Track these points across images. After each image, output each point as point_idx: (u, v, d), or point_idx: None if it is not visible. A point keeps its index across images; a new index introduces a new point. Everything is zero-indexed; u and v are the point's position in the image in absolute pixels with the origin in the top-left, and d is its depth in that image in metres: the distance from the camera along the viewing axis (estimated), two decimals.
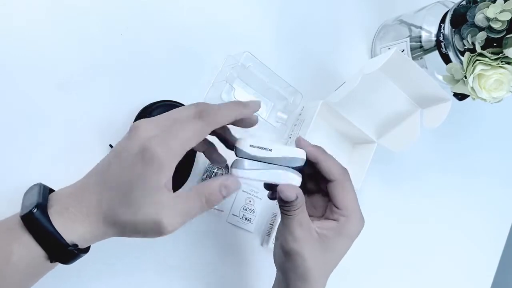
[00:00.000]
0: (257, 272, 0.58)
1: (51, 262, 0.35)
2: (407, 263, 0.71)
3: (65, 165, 0.48)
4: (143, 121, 0.37)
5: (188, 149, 0.36)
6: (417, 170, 0.73)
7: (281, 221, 0.43)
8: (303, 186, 0.43)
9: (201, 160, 0.55)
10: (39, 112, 0.48)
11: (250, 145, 0.41)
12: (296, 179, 0.41)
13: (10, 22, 0.47)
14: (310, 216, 0.44)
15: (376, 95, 0.59)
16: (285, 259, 0.43)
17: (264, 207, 0.59)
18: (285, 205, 0.42)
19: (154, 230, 0.36)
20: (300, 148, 0.43)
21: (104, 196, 0.36)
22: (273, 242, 0.57)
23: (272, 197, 0.47)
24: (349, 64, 0.66)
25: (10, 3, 0.47)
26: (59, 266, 0.36)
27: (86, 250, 0.37)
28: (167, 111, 0.50)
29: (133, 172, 0.35)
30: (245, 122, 0.41)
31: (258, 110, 0.41)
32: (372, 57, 0.69)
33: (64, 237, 0.34)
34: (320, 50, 0.65)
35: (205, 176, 0.55)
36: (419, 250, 0.72)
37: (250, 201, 0.58)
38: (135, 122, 0.38)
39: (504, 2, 0.49)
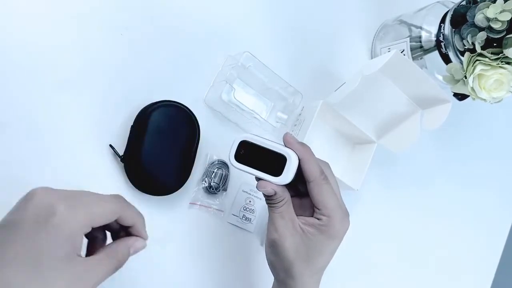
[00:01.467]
0: (257, 272, 0.58)
1: None
2: (407, 263, 0.71)
3: (65, 165, 0.48)
4: (40, 188, 0.33)
5: (98, 224, 0.34)
6: (417, 170, 0.73)
7: (268, 215, 0.45)
8: (294, 188, 0.44)
9: (201, 160, 0.55)
10: (39, 112, 0.48)
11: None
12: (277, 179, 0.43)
13: (11, 22, 0.47)
14: (300, 216, 0.45)
15: (376, 96, 0.59)
16: (271, 252, 0.45)
17: (264, 207, 0.59)
18: (268, 199, 0.44)
19: None
20: (288, 144, 0.44)
21: (3, 276, 0.30)
22: None
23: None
24: (349, 64, 0.66)
25: (10, 3, 0.47)
26: None
27: None
28: (167, 111, 0.51)
29: (37, 243, 0.30)
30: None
31: (145, 238, 0.40)
32: (372, 57, 0.69)
33: None
34: (320, 50, 0.65)
35: (205, 176, 0.55)
36: (419, 250, 0.72)
37: (250, 201, 0.58)
38: (34, 189, 0.33)
39: (504, 2, 0.49)
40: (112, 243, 0.38)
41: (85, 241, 0.37)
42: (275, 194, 0.43)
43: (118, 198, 0.36)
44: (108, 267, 0.35)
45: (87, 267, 0.33)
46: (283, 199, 0.44)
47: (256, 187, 0.44)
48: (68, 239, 0.32)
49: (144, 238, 0.39)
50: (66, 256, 0.32)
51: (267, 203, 0.45)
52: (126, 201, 0.37)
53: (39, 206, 0.32)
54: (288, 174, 0.42)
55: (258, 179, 0.45)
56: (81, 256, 0.33)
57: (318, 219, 0.44)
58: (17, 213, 0.32)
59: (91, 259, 0.34)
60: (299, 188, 0.47)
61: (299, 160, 0.43)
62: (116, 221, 0.36)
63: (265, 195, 0.44)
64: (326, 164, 0.47)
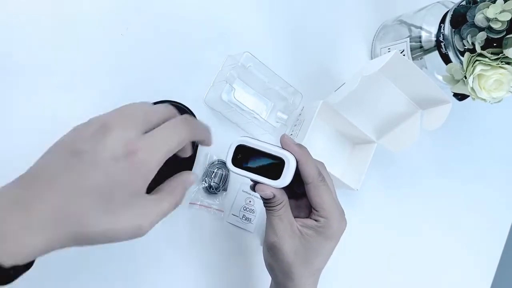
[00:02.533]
0: (257, 272, 0.58)
1: None
2: (406, 264, 0.71)
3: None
4: (115, 118, 0.34)
5: (170, 156, 0.35)
6: (417, 170, 0.73)
7: (266, 218, 0.45)
8: (290, 189, 0.44)
9: (201, 160, 0.55)
10: (39, 111, 0.48)
11: None
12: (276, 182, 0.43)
13: (11, 22, 0.47)
14: (296, 217, 0.45)
15: (376, 96, 0.59)
16: (269, 255, 0.45)
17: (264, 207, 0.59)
18: (266, 202, 0.44)
19: (132, 235, 0.34)
20: (285, 146, 0.43)
21: (69, 206, 0.31)
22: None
23: (253, 188, 0.48)
24: (349, 64, 0.66)
25: (10, 3, 0.47)
26: None
27: (30, 264, 0.32)
28: None
29: (116, 178, 0.32)
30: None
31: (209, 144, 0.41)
32: (372, 57, 0.69)
33: (0, 261, 0.28)
34: (320, 50, 0.65)
35: (205, 176, 0.55)
36: (419, 250, 0.72)
37: (250, 201, 0.58)
38: (101, 117, 0.34)
39: (504, 2, 0.49)
40: (168, 180, 0.39)
41: None
42: (274, 197, 0.43)
43: (189, 123, 0.37)
44: (170, 204, 0.37)
45: (152, 203, 0.35)
46: (281, 202, 0.44)
47: (254, 190, 0.44)
48: (143, 177, 0.33)
49: (211, 144, 0.41)
50: (137, 192, 0.33)
51: (265, 206, 0.45)
52: (194, 121, 0.38)
53: (118, 140, 0.32)
54: (286, 177, 0.42)
55: (255, 182, 0.45)
56: (145, 193, 0.34)
57: (315, 220, 0.44)
58: (92, 144, 0.32)
59: (155, 197, 0.36)
60: (295, 189, 0.47)
61: (296, 162, 0.43)
62: None
63: (263, 198, 0.44)
64: (322, 164, 0.47)
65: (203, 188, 0.55)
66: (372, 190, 0.67)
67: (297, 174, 0.44)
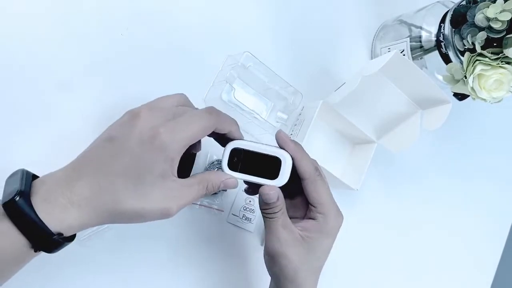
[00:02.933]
0: (257, 272, 0.58)
1: (35, 251, 0.35)
2: (406, 263, 0.71)
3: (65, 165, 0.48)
4: (144, 108, 0.37)
5: (193, 142, 0.38)
6: (417, 170, 0.73)
7: (265, 225, 0.44)
8: (285, 189, 0.44)
9: (201, 160, 0.55)
10: (39, 111, 0.48)
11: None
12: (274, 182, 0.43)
13: (10, 22, 0.47)
14: (292, 217, 0.46)
15: (376, 96, 0.59)
16: (273, 262, 0.44)
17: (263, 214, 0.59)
18: (267, 208, 0.43)
19: (160, 215, 0.37)
20: (280, 141, 0.44)
21: (103, 185, 0.35)
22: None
23: (248, 191, 0.48)
24: (349, 64, 0.66)
25: (10, 3, 0.47)
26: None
27: (72, 238, 0.37)
28: None
29: (142, 160, 0.35)
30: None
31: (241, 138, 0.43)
32: (372, 57, 0.69)
33: (49, 226, 0.34)
34: (320, 50, 0.65)
35: None
36: (419, 250, 0.72)
37: (250, 201, 0.58)
38: (133, 109, 0.38)
39: (504, 2, 0.49)
40: (206, 172, 0.41)
41: None
42: (278, 200, 0.43)
43: (212, 112, 0.39)
44: (198, 193, 0.39)
45: (180, 187, 0.37)
46: (282, 208, 0.43)
47: (248, 193, 0.45)
48: (167, 159, 0.36)
49: (240, 137, 0.43)
50: (164, 173, 0.36)
51: (265, 212, 0.44)
52: (219, 112, 0.40)
53: (144, 126, 0.36)
54: (284, 175, 0.42)
55: (250, 185, 0.44)
56: (176, 177, 0.37)
57: (313, 218, 0.44)
58: (123, 131, 0.37)
59: (185, 181, 0.38)
60: (290, 188, 0.46)
61: (292, 159, 0.43)
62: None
63: (263, 205, 0.44)
64: (315, 161, 0.47)
65: None
66: (372, 190, 0.67)
67: (292, 172, 0.43)
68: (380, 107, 0.60)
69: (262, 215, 0.44)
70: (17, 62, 0.47)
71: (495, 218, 0.81)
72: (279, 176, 0.42)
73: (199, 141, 0.43)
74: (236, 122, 0.43)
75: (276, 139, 0.44)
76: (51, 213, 0.34)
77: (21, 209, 0.33)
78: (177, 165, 0.37)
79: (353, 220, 0.66)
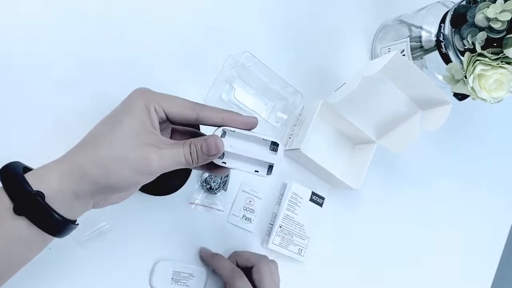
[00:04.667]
0: None
1: (16, 213, 0.33)
2: (406, 263, 0.71)
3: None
4: (136, 89, 0.40)
5: (176, 117, 0.38)
6: (417, 170, 0.73)
7: None
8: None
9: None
10: (39, 111, 0.48)
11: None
12: (261, 170, 0.42)
13: (10, 22, 0.47)
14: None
15: (377, 96, 0.59)
16: None
17: (264, 207, 0.59)
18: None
19: (140, 166, 0.35)
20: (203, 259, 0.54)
21: (84, 140, 0.37)
22: (274, 242, 0.57)
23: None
24: (349, 64, 0.66)
25: (10, 3, 0.47)
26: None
27: (73, 222, 0.36)
28: None
29: (122, 107, 0.37)
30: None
31: (253, 127, 0.41)
32: (372, 57, 0.69)
33: (29, 182, 0.33)
34: (320, 50, 0.65)
35: (205, 177, 0.55)
36: (419, 250, 0.72)
37: (250, 201, 0.58)
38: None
39: (504, 2, 0.49)
40: (193, 139, 0.40)
41: None
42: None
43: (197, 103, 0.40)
44: (181, 152, 0.38)
45: (161, 141, 0.37)
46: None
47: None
48: (140, 108, 0.37)
49: (243, 126, 0.41)
50: (141, 123, 0.36)
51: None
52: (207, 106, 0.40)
53: (132, 95, 0.38)
54: (275, 169, 0.41)
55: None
56: (158, 132, 0.38)
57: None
58: (117, 107, 0.38)
59: (167, 139, 0.38)
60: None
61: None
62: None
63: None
64: (264, 257, 0.53)
65: (203, 188, 0.55)
66: (372, 190, 0.67)
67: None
68: (380, 108, 0.60)
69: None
70: (16, 61, 0.47)
71: (495, 217, 0.81)
72: (267, 170, 0.41)
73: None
74: (232, 111, 0.41)
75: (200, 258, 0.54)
76: (34, 172, 0.34)
77: (10, 169, 0.34)
78: (155, 120, 0.37)
79: (353, 220, 0.66)
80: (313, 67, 0.64)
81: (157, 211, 0.53)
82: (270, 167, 0.42)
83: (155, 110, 0.37)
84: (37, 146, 0.47)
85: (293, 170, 0.62)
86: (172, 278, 0.52)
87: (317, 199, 0.61)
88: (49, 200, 0.34)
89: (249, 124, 0.41)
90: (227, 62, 0.56)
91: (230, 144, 0.41)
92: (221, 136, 0.40)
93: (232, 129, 0.41)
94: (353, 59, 0.67)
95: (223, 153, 0.41)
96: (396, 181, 0.70)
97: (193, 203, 0.54)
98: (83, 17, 0.50)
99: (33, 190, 0.33)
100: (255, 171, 0.42)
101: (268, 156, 0.41)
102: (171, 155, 0.37)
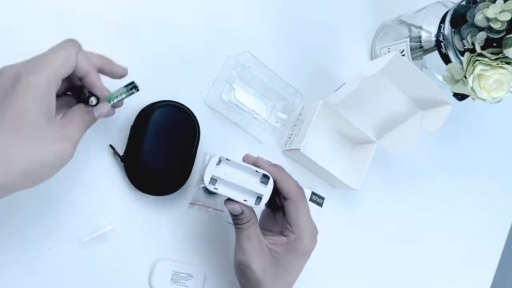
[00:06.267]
0: None
1: None
2: (406, 263, 0.71)
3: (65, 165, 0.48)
4: (5, 65, 0.35)
5: (62, 76, 0.35)
6: (417, 170, 0.73)
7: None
8: (271, 200, 0.45)
9: (201, 160, 0.55)
10: None
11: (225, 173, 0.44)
12: (250, 199, 0.45)
13: (10, 22, 0.47)
14: (270, 230, 0.47)
15: (376, 96, 0.59)
16: (238, 273, 0.46)
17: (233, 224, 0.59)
18: (234, 218, 0.45)
19: (59, 159, 0.35)
20: (261, 167, 0.45)
21: None
22: None
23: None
24: (349, 64, 0.66)
25: (10, 4, 0.47)
26: None
27: None
28: (167, 111, 0.51)
29: (13, 107, 0.32)
30: (110, 74, 0.41)
31: (123, 75, 0.41)
32: (372, 57, 0.69)
33: None
34: (320, 50, 0.65)
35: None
36: (419, 250, 0.72)
37: None
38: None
39: (504, 2, 0.49)
40: (77, 105, 0.39)
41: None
42: (242, 213, 0.44)
43: (73, 41, 0.37)
44: (82, 121, 0.37)
45: (67, 125, 0.35)
46: (249, 220, 0.44)
47: (224, 204, 0.45)
48: (39, 99, 0.33)
49: (100, 94, 0.39)
50: (44, 115, 0.33)
51: (233, 223, 0.46)
52: (80, 46, 0.38)
53: (6, 77, 0.33)
54: (263, 201, 0.44)
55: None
56: (53, 116, 0.35)
57: (286, 236, 0.45)
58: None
59: (66, 118, 0.36)
60: (277, 200, 0.47)
61: (274, 181, 0.44)
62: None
63: (232, 215, 0.45)
64: (297, 182, 0.48)
65: (202, 188, 0.55)
66: (372, 190, 0.67)
67: (276, 188, 0.45)
68: (380, 108, 0.60)
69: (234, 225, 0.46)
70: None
71: (495, 218, 0.81)
72: (256, 200, 0.44)
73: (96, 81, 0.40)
74: (107, 60, 0.40)
75: (255, 164, 0.45)
76: None
77: None
78: (54, 103, 0.35)
79: (353, 220, 0.66)
80: (313, 67, 0.64)
81: (157, 211, 0.53)
82: (259, 198, 0.45)
83: (47, 97, 0.34)
84: None
85: (293, 170, 0.62)
86: (172, 279, 0.52)
87: (317, 199, 0.61)
88: None
89: (119, 73, 0.41)
90: (227, 62, 0.56)
91: (224, 171, 0.44)
92: (216, 164, 0.44)
93: (228, 157, 0.44)
94: (353, 59, 0.67)
95: (216, 180, 0.44)
96: (396, 181, 0.70)
97: (193, 203, 0.54)
98: (83, 18, 0.50)
99: None
100: (244, 200, 0.44)
101: (258, 187, 0.44)
102: (79, 134, 0.37)
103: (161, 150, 0.50)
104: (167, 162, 0.50)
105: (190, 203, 0.54)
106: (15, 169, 0.32)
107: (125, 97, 0.41)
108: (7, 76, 0.33)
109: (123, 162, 0.50)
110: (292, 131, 0.61)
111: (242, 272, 0.45)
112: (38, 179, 0.35)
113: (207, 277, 0.55)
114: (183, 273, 0.53)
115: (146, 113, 0.50)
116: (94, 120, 0.39)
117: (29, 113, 0.33)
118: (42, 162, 0.34)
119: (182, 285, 0.53)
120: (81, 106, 0.39)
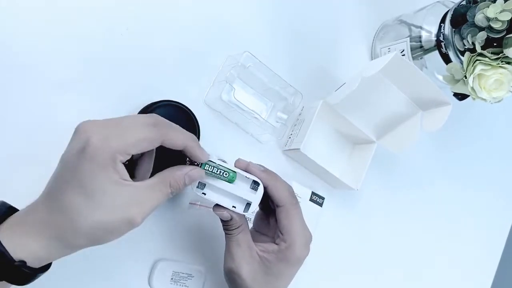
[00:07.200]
0: None
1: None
2: (406, 263, 0.71)
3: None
4: (88, 122, 0.35)
5: (134, 152, 0.35)
6: (417, 170, 0.73)
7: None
8: (265, 205, 0.44)
9: None
10: (39, 111, 0.48)
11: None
12: (238, 206, 0.43)
13: (10, 22, 0.47)
14: (263, 234, 0.46)
15: (377, 96, 0.59)
16: (228, 280, 0.45)
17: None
18: (223, 224, 0.44)
19: (125, 226, 0.34)
20: (251, 173, 0.43)
21: (55, 206, 0.33)
22: None
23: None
24: (349, 64, 0.66)
25: (11, 2, 0.47)
26: None
27: (45, 268, 0.35)
28: (167, 111, 0.51)
29: (80, 171, 0.33)
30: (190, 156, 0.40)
31: (203, 160, 0.41)
32: (372, 57, 0.69)
33: (10, 253, 0.31)
34: (320, 50, 0.65)
35: None
36: (419, 250, 0.72)
37: None
38: (79, 124, 0.35)
39: (504, 2, 0.49)
40: (168, 169, 0.39)
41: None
42: (231, 219, 0.43)
43: (158, 124, 0.36)
44: (161, 193, 0.37)
45: (138, 191, 0.35)
46: (239, 226, 0.43)
47: (212, 209, 0.44)
48: (104, 166, 0.33)
49: (201, 160, 0.39)
50: (111, 181, 0.33)
51: (223, 229, 0.45)
52: (168, 124, 0.37)
53: (79, 139, 0.34)
54: (251, 208, 0.43)
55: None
56: (130, 180, 0.35)
57: (278, 244, 0.44)
58: (65, 149, 0.35)
59: (143, 183, 0.36)
60: (270, 205, 0.46)
61: (265, 188, 0.43)
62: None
63: (222, 220, 0.44)
64: (291, 187, 0.46)
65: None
66: (372, 190, 0.67)
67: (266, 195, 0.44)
68: (380, 108, 0.60)
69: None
70: (16, 62, 0.47)
71: (495, 217, 0.81)
72: (245, 207, 0.43)
73: (151, 152, 0.40)
74: (195, 138, 0.40)
75: (246, 170, 0.44)
76: (13, 240, 0.32)
77: None
78: (122, 170, 0.34)
79: (353, 220, 0.66)
80: (313, 67, 0.64)
81: (157, 211, 0.52)
82: (248, 205, 0.43)
83: (121, 161, 0.34)
84: (36, 147, 0.47)
85: (293, 170, 0.62)
86: (172, 279, 0.52)
87: (317, 199, 0.61)
88: (30, 264, 0.33)
89: (201, 158, 0.40)
90: (227, 62, 0.56)
91: None
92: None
93: (224, 159, 0.43)
94: (353, 59, 0.67)
95: (205, 184, 0.43)
96: (396, 181, 0.70)
97: (193, 203, 0.54)
98: (83, 17, 0.50)
99: (16, 261, 0.32)
100: (233, 206, 0.43)
101: (247, 194, 0.43)
102: (153, 202, 0.36)
103: (161, 150, 0.50)
104: (167, 162, 0.50)
105: (190, 203, 0.54)
106: (82, 230, 0.33)
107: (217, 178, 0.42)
108: (78, 137, 0.34)
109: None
110: (292, 131, 0.61)
111: (232, 279, 0.44)
112: (103, 241, 0.35)
113: (207, 277, 0.54)
114: (183, 273, 0.53)
115: (146, 113, 0.50)
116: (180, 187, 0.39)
117: (96, 178, 0.33)
118: (107, 227, 0.34)
119: (182, 285, 0.52)
120: (166, 174, 0.38)
